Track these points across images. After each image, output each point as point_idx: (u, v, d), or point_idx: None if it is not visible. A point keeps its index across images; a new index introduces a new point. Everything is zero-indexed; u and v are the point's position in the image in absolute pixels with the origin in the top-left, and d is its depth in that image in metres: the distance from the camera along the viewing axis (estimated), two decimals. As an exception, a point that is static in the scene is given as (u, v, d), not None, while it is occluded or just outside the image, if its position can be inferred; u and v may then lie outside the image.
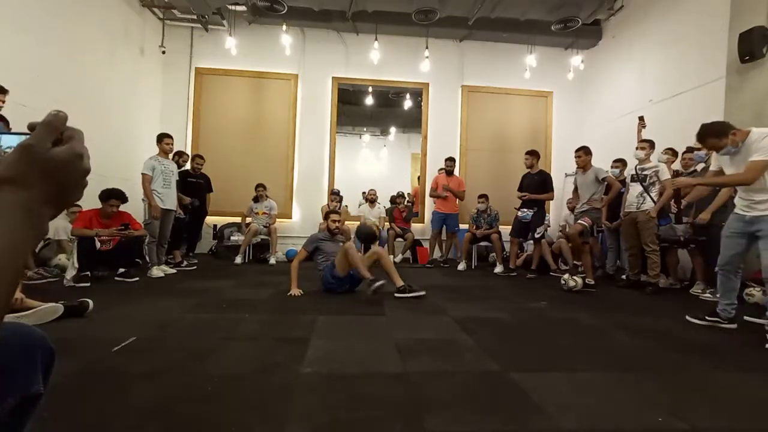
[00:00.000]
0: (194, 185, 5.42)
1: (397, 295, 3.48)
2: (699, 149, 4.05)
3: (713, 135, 2.61)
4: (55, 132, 0.45)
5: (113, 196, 3.91)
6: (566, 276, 4.11)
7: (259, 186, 5.96)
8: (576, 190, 4.70)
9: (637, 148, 4.26)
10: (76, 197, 0.48)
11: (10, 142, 0.51)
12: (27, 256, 0.43)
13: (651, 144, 4.26)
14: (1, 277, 0.39)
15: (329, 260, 3.67)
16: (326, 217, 3.97)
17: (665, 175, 4.07)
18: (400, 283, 3.54)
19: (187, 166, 5.54)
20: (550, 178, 5.28)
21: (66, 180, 0.45)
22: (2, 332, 0.41)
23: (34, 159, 0.43)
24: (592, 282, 3.94)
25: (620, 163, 4.88)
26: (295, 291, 3.47)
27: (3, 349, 0.61)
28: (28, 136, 0.44)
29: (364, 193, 6.54)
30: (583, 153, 4.50)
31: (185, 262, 5.01)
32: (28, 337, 0.69)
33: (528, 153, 5.24)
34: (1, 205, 0.41)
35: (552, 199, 5.44)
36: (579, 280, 3.99)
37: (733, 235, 2.71)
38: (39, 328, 0.74)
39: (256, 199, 5.97)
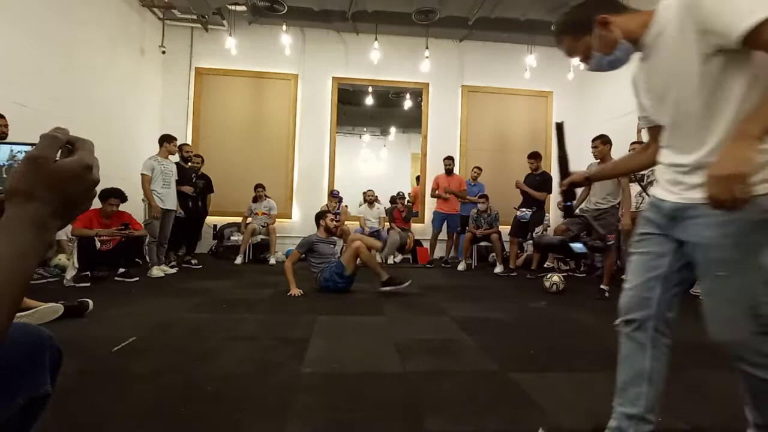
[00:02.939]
0: (189, 176, 5.24)
1: (382, 288, 3.56)
2: None
3: (568, 30, 1.24)
4: (59, 142, 0.45)
5: (112, 195, 3.92)
6: (545, 281, 3.99)
7: (258, 186, 5.95)
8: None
9: (630, 150, 4.26)
10: (84, 208, 0.48)
11: (20, 149, 0.51)
12: (35, 266, 0.44)
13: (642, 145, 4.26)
14: (9, 285, 0.39)
15: (325, 262, 3.66)
16: (322, 217, 3.90)
17: None
18: (385, 276, 3.61)
19: (176, 158, 5.16)
20: (551, 179, 5.29)
21: (74, 191, 0.45)
22: (10, 334, 0.41)
23: (41, 171, 0.43)
24: (606, 288, 3.86)
25: None
26: (294, 291, 3.47)
27: (12, 350, 0.62)
28: (33, 147, 0.44)
29: (364, 193, 6.55)
30: (601, 143, 4.03)
31: (173, 262, 4.96)
32: (37, 338, 0.70)
33: (531, 156, 5.24)
34: (9, 218, 0.41)
35: (543, 199, 5.43)
36: (557, 279, 3.92)
37: (649, 244, 1.16)
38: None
39: (255, 200, 5.97)
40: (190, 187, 5.10)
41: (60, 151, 0.46)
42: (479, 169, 6.45)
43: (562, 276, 4.08)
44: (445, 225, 6.00)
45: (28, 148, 0.48)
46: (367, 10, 6.25)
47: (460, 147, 7.11)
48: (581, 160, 4.69)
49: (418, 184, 7.92)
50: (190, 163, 5.33)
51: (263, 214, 5.91)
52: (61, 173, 0.44)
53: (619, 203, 4.15)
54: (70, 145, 0.46)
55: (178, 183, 4.94)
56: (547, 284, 3.94)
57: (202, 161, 5.67)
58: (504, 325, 2.75)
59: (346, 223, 6.23)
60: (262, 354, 2.02)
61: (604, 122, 6.51)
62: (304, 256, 3.73)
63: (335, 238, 3.97)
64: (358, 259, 3.57)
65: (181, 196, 4.99)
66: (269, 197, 6.04)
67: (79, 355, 1.86)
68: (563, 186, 1.51)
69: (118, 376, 1.70)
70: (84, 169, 0.45)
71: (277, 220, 6.08)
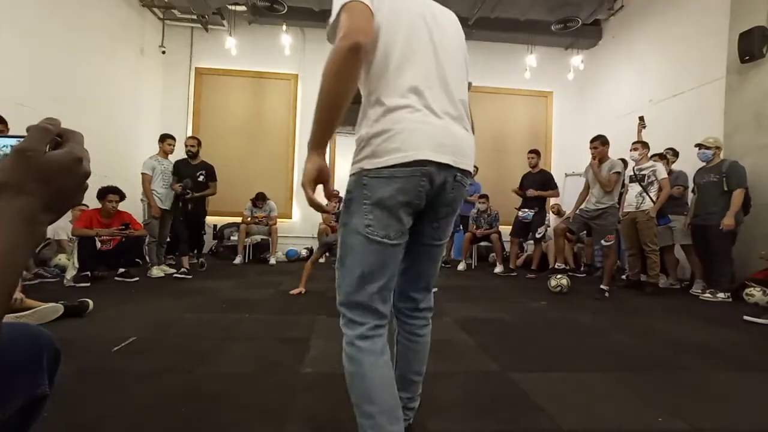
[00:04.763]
0: (193, 174, 4.93)
1: None
2: (707, 147, 4.01)
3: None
4: (48, 134, 0.43)
5: (111, 192, 3.92)
6: (552, 280, 3.98)
7: (259, 196, 5.87)
8: (587, 186, 4.19)
9: (631, 150, 4.25)
10: (76, 201, 0.46)
11: (7, 143, 0.50)
12: (25, 261, 0.42)
13: (644, 144, 4.26)
14: (1, 284, 0.39)
15: None
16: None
17: (662, 174, 4.07)
18: None
19: (177, 154, 4.94)
20: (552, 176, 5.32)
21: (65, 185, 0.44)
22: (8, 334, 0.40)
23: (30, 164, 0.41)
24: (606, 288, 3.87)
25: (622, 161, 4.86)
26: (297, 290, 3.50)
27: (10, 350, 0.61)
28: (23, 139, 0.43)
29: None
30: (600, 143, 4.01)
31: (172, 261, 4.85)
32: (35, 338, 0.69)
33: (532, 152, 5.30)
34: None
35: (557, 196, 5.44)
36: (565, 282, 3.91)
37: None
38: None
39: (254, 204, 5.94)
40: (179, 185, 4.51)
41: (47, 144, 0.44)
42: (476, 168, 6.45)
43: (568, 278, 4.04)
44: None
45: (15, 141, 0.46)
46: (367, 10, 6.24)
47: (460, 147, 7.10)
48: (582, 160, 4.70)
49: None
50: (197, 160, 4.81)
51: (263, 216, 5.90)
52: (51, 166, 0.42)
53: (618, 203, 4.14)
54: (59, 137, 0.45)
55: (181, 181, 4.74)
56: (553, 283, 3.91)
57: (199, 143, 4.95)
58: (504, 325, 2.75)
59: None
60: (262, 354, 2.02)
61: (604, 122, 6.53)
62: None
63: None
64: None
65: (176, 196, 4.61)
66: (269, 200, 6.02)
67: (79, 355, 1.86)
68: None
69: (118, 376, 1.70)
70: (74, 161, 0.44)
71: (277, 220, 6.08)
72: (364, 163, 0.93)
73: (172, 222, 4.64)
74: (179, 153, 4.85)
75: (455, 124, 1.00)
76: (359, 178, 0.94)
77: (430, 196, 0.96)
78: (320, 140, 0.92)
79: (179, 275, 4.29)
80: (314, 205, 0.92)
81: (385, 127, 0.92)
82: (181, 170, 4.67)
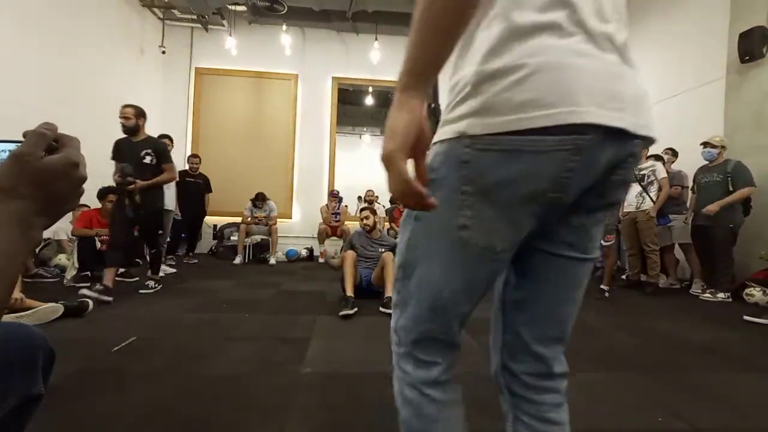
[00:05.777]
0: (192, 185, 5.37)
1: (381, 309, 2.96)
2: (714, 146, 3.99)
3: None
4: (45, 139, 0.44)
5: (110, 192, 3.91)
6: None
7: (259, 196, 5.90)
8: None
9: None
10: (71, 206, 0.47)
11: (4, 147, 0.50)
12: (21, 265, 0.43)
13: None
14: None
15: (364, 264, 3.44)
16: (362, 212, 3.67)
17: (662, 173, 4.06)
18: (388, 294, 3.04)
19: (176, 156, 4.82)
20: None
21: (60, 189, 0.44)
22: (2, 335, 0.40)
23: (25, 168, 0.42)
24: (606, 288, 3.87)
25: None
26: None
27: (4, 350, 0.61)
28: (19, 144, 0.43)
29: (366, 192, 6.57)
30: None
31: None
32: (29, 338, 0.69)
33: None
34: None
35: None
36: None
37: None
38: (39, 328, 0.74)
39: (254, 204, 5.95)
40: (116, 175, 3.27)
41: (44, 149, 0.44)
42: None
43: None
44: None
45: (13, 146, 0.46)
46: (367, 10, 6.24)
47: (460, 147, 7.11)
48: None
49: None
50: (139, 136, 3.45)
51: (263, 216, 5.91)
52: (47, 171, 0.43)
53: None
54: (55, 142, 0.46)
55: (180, 190, 4.68)
56: None
57: (139, 115, 3.51)
58: (504, 325, 2.74)
59: (346, 223, 6.23)
60: (262, 354, 2.02)
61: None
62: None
63: (378, 236, 3.60)
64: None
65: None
66: (269, 200, 6.03)
67: (79, 355, 1.86)
68: None
69: (118, 376, 1.70)
70: (70, 166, 0.44)
71: (277, 220, 6.08)
72: (467, 124, 0.55)
73: (115, 223, 3.36)
74: (177, 156, 4.85)
75: (623, 57, 0.56)
76: (455, 149, 0.56)
77: (582, 184, 0.56)
78: (424, 70, 0.54)
79: (90, 294, 2.86)
80: (411, 192, 0.51)
81: (511, 61, 0.52)
82: (120, 152, 3.42)
